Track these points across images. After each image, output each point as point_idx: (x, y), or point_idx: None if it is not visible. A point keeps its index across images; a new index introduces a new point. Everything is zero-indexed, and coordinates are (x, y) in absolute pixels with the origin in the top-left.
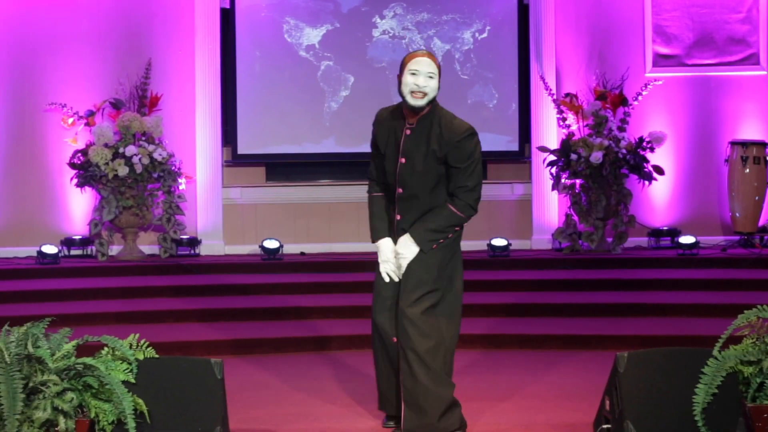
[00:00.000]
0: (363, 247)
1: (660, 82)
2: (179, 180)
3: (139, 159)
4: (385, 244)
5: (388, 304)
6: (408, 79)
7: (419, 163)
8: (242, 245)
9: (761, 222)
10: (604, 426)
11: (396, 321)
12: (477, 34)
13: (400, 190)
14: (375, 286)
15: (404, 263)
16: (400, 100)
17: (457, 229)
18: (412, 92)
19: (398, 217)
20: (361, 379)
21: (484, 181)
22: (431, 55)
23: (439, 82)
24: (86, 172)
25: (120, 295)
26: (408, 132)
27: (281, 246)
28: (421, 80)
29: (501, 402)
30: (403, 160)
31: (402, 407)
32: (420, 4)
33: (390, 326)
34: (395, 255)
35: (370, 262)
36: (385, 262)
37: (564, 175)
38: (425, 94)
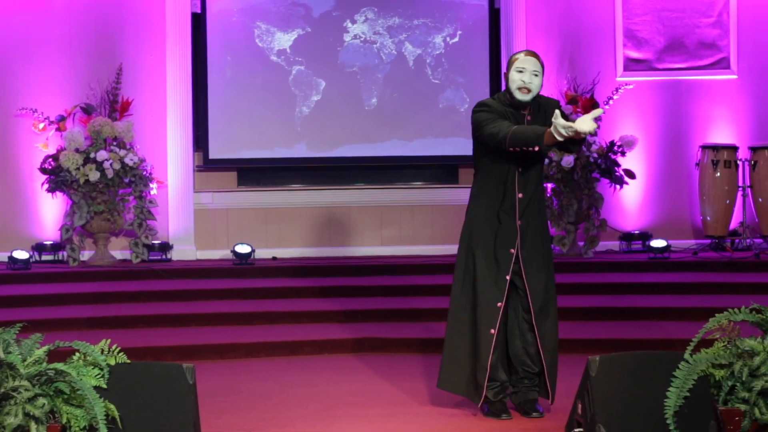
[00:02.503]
0: (334, 251)
1: (631, 86)
2: (150, 185)
3: (111, 164)
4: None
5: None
6: (515, 76)
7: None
8: (214, 250)
9: (732, 225)
10: (576, 430)
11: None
12: (448, 39)
13: (521, 170)
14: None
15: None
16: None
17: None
18: (519, 88)
19: (521, 195)
20: (334, 384)
21: (455, 186)
22: (536, 55)
23: (542, 79)
24: (57, 177)
25: (91, 301)
26: (529, 118)
27: (253, 251)
28: (527, 77)
29: (473, 407)
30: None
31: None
32: (391, 9)
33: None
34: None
35: (341, 267)
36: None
37: None
38: (530, 90)
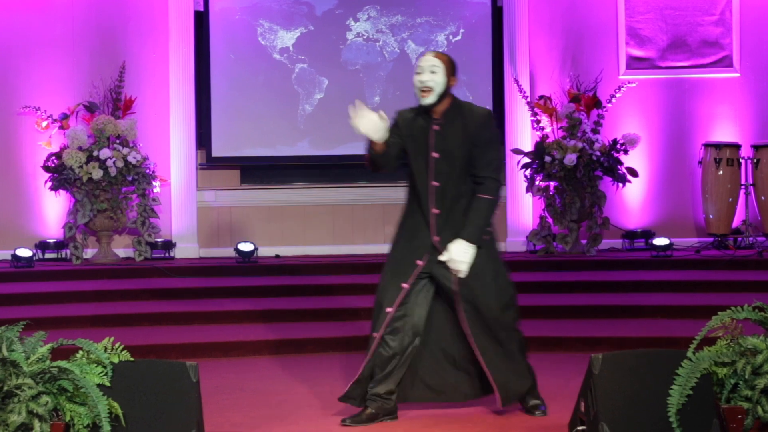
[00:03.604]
0: (337, 249)
1: (634, 85)
2: (154, 183)
3: (114, 162)
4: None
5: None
6: (414, 80)
7: (453, 153)
8: (217, 248)
9: (735, 224)
10: (579, 428)
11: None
12: (451, 37)
13: (437, 184)
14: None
15: (466, 267)
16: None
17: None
18: (419, 90)
19: (436, 211)
20: (338, 382)
21: None
22: (438, 53)
23: (446, 76)
24: (60, 175)
25: (95, 299)
26: (436, 128)
27: (256, 249)
28: (424, 76)
29: (475, 404)
30: (437, 155)
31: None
32: (394, 7)
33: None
34: (453, 262)
35: (345, 265)
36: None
37: (538, 178)
38: (431, 89)
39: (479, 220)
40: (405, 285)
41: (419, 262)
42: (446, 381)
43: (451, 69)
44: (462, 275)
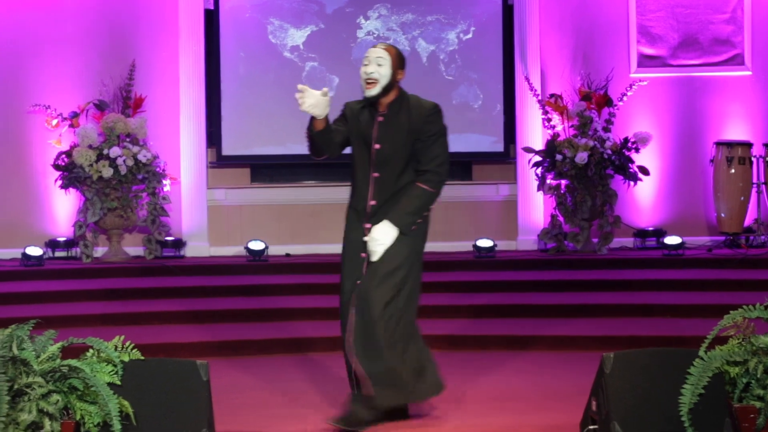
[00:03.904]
0: None
1: (645, 83)
2: (164, 181)
3: (124, 160)
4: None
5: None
6: (361, 71)
7: (395, 146)
8: (227, 246)
9: (746, 222)
10: (591, 427)
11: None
12: (462, 35)
13: (377, 175)
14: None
15: (381, 250)
16: None
17: (431, 208)
18: (365, 81)
19: (373, 202)
20: (346, 381)
21: (468, 182)
22: (387, 45)
23: (393, 69)
24: (71, 173)
25: (105, 297)
26: (380, 119)
27: (266, 247)
28: (369, 68)
29: (487, 403)
30: (378, 146)
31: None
32: (404, 5)
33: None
34: (371, 241)
35: None
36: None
37: (549, 176)
38: (376, 81)
39: (409, 207)
40: (359, 282)
41: (363, 255)
42: None
43: (399, 62)
44: (374, 258)
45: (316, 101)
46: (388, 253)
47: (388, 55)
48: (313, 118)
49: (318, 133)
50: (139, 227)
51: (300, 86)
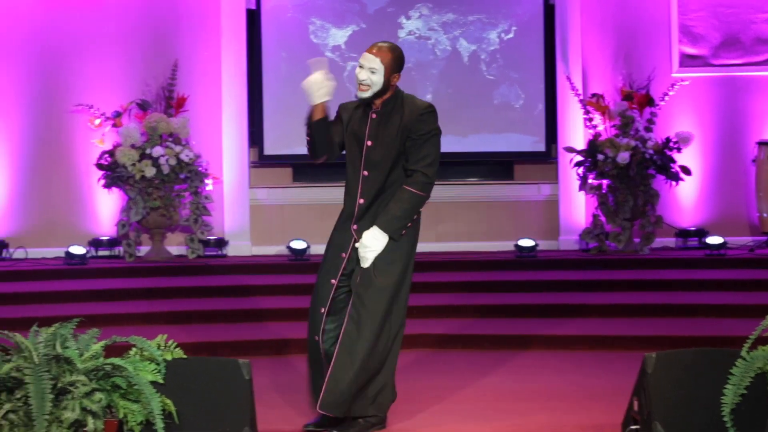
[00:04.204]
0: None
1: (687, 83)
2: (206, 181)
3: (166, 160)
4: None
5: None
6: (356, 73)
7: (386, 143)
8: (269, 246)
9: None
10: (633, 427)
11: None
12: (503, 35)
13: (366, 173)
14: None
15: (372, 256)
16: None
17: (420, 211)
18: (358, 85)
19: (362, 201)
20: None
21: (510, 182)
22: (382, 50)
23: (387, 76)
24: (113, 173)
25: (147, 296)
26: (374, 116)
27: (308, 246)
28: (363, 75)
29: (528, 402)
30: (370, 143)
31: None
32: (446, 5)
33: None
34: (362, 247)
35: None
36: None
37: (591, 176)
38: (369, 87)
39: (397, 211)
40: (333, 281)
41: (343, 255)
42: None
43: (395, 67)
44: (365, 264)
45: (315, 82)
46: (384, 265)
47: (382, 65)
48: (312, 107)
49: (315, 123)
50: (182, 226)
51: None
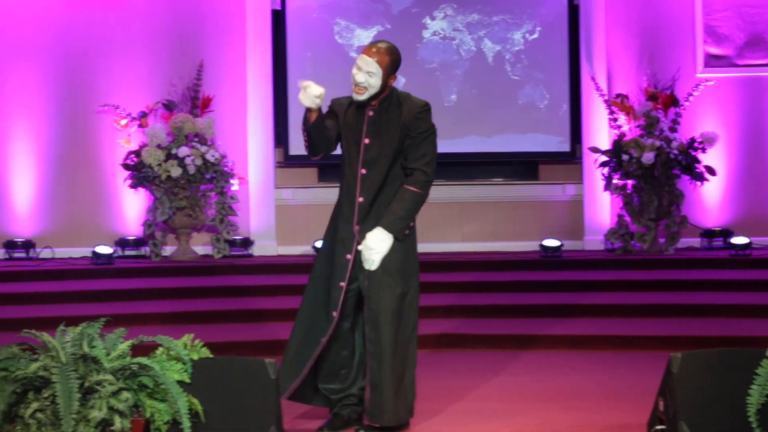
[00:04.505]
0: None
1: (711, 83)
2: (232, 181)
3: (192, 160)
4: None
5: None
6: (352, 74)
7: (384, 140)
8: (295, 246)
9: None
10: (658, 427)
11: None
12: (527, 35)
13: (364, 171)
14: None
15: (378, 258)
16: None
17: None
18: (354, 86)
19: (361, 199)
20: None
21: (534, 182)
22: (380, 52)
23: (384, 78)
24: (139, 173)
25: (174, 296)
26: (371, 114)
27: None
28: (360, 77)
29: (551, 401)
30: (368, 141)
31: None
32: (470, 5)
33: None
34: (366, 249)
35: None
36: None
37: (616, 176)
38: (366, 89)
39: (400, 211)
40: (342, 284)
41: (348, 257)
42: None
43: (392, 69)
44: (372, 267)
45: (308, 93)
46: (392, 266)
47: (380, 68)
48: (307, 111)
49: (313, 124)
50: (208, 226)
51: (303, 83)
